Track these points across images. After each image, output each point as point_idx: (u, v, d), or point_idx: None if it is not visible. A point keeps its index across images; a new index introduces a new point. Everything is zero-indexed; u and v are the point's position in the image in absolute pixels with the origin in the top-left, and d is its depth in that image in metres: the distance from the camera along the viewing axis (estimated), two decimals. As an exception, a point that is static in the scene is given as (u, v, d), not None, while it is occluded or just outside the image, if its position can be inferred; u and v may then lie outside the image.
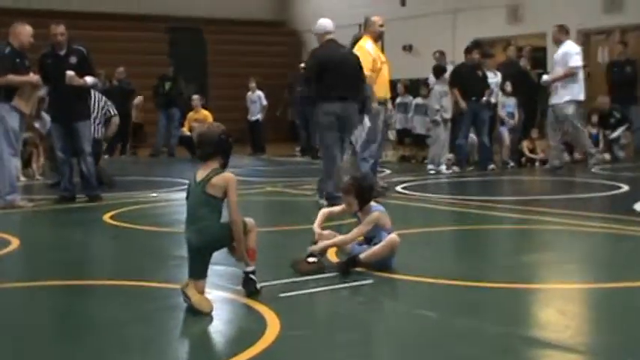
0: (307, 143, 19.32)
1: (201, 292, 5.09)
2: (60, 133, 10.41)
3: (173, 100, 19.09)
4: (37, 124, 11.23)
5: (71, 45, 10.38)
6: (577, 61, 13.48)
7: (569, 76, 13.36)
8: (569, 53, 13.48)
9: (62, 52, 10.29)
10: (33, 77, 9.89)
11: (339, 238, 6.18)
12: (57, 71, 10.15)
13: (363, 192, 6.23)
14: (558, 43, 13.82)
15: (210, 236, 5.12)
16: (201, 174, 5.19)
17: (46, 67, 10.27)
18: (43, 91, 10.49)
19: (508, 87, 14.99)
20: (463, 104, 13.90)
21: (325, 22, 10.11)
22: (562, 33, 13.81)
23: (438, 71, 14.33)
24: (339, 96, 9.61)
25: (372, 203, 6.29)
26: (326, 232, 6.27)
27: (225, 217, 5.17)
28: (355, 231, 6.16)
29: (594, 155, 14.01)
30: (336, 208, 6.37)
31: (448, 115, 13.95)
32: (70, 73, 10.12)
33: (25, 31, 9.91)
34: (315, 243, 6.11)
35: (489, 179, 13.05)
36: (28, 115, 10.01)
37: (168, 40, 23.46)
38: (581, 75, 13.56)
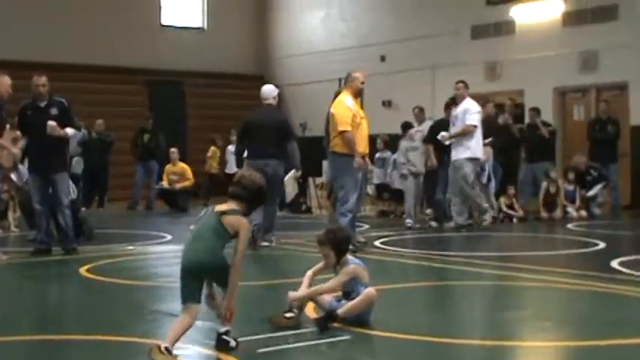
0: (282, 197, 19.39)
1: (195, 317, 5.06)
2: (38, 185, 10.32)
3: (152, 153, 19.08)
4: (13, 176, 11.14)
5: (52, 96, 10.37)
6: (474, 120, 13.20)
7: (467, 133, 13.13)
8: (469, 111, 13.25)
9: (42, 104, 10.26)
10: (14, 149, 9.89)
11: (318, 286, 6.14)
12: (37, 123, 10.11)
13: (339, 242, 6.21)
14: (461, 99, 13.52)
15: (209, 258, 5.10)
16: (220, 207, 5.26)
17: (26, 119, 10.25)
18: (21, 143, 10.47)
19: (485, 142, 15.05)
20: (434, 162, 14.10)
21: (263, 89, 11.67)
22: (465, 89, 13.57)
23: (405, 127, 14.62)
24: (260, 154, 11.02)
25: (350, 257, 6.29)
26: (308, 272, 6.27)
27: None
28: (333, 281, 6.13)
29: (486, 213, 13.55)
30: (319, 265, 6.35)
31: (415, 169, 14.04)
32: (51, 123, 10.07)
33: (4, 82, 9.90)
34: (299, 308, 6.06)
35: (467, 235, 13.06)
36: (8, 168, 9.95)
37: (147, 92, 23.53)
38: (478, 133, 13.26)
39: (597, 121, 16.95)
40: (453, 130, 13.45)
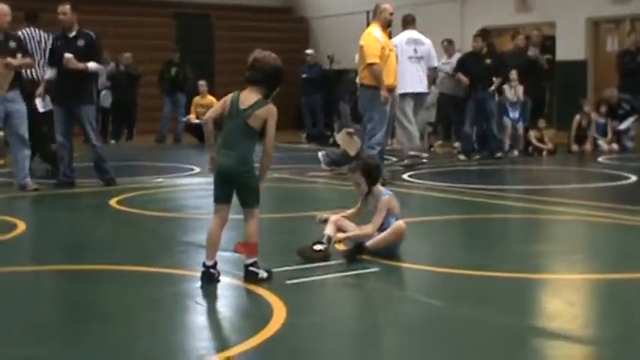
0: (313, 130, 19.42)
1: (227, 218, 5.32)
2: (61, 117, 10.24)
3: (179, 86, 19.04)
4: (37, 103, 10.92)
5: (81, 29, 10.32)
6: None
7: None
8: None
9: (71, 35, 10.22)
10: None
11: (363, 231, 6.13)
12: (62, 53, 10.06)
13: (370, 169, 6.26)
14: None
15: (239, 166, 5.26)
16: (244, 101, 5.31)
17: (55, 49, 10.21)
18: (51, 73, 10.39)
19: (513, 75, 14.89)
20: (465, 80, 14.16)
21: None
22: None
23: None
24: None
25: (381, 188, 6.28)
26: (334, 217, 6.27)
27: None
28: (375, 220, 6.10)
29: (413, 157, 12.41)
30: (348, 212, 6.35)
31: None
32: (67, 55, 9.98)
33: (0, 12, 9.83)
34: (329, 242, 6.07)
35: (496, 168, 13.00)
36: (3, 94, 9.79)
37: (175, 25, 23.39)
38: (406, 67, 12.07)
39: (627, 52, 16.62)
40: None
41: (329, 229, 6.15)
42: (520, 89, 14.99)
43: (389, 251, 5.99)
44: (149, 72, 19.46)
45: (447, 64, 15.60)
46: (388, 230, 6.00)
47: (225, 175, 5.29)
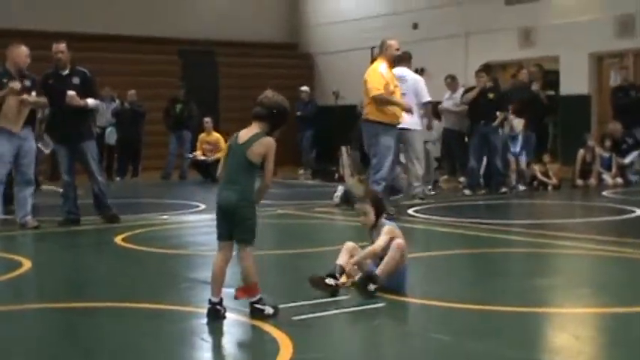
0: (318, 165, 19.54)
1: (231, 255, 5.32)
2: (64, 155, 10.26)
3: (184, 123, 19.13)
4: (40, 145, 10.99)
5: (75, 66, 10.34)
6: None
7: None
8: None
9: (65, 73, 10.20)
10: (13, 84, 9.81)
11: (367, 250, 6.14)
12: (58, 91, 10.02)
13: (378, 201, 6.34)
14: None
15: (238, 198, 5.28)
16: (244, 135, 5.39)
17: (48, 87, 10.16)
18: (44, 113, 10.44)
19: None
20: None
21: None
22: None
23: None
24: None
25: (384, 220, 6.28)
26: (349, 244, 6.28)
27: None
28: (378, 241, 6.08)
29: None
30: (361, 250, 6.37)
31: None
32: (70, 93, 9.99)
33: (17, 52, 9.91)
34: (341, 273, 6.06)
35: (502, 203, 13.00)
36: (17, 132, 9.88)
37: (180, 62, 23.55)
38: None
39: (620, 88, 16.65)
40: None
41: (341, 259, 6.14)
42: (517, 122, 14.98)
43: (396, 285, 5.97)
44: (154, 109, 19.56)
45: (450, 99, 15.68)
46: (389, 253, 5.97)
47: (226, 210, 5.32)
